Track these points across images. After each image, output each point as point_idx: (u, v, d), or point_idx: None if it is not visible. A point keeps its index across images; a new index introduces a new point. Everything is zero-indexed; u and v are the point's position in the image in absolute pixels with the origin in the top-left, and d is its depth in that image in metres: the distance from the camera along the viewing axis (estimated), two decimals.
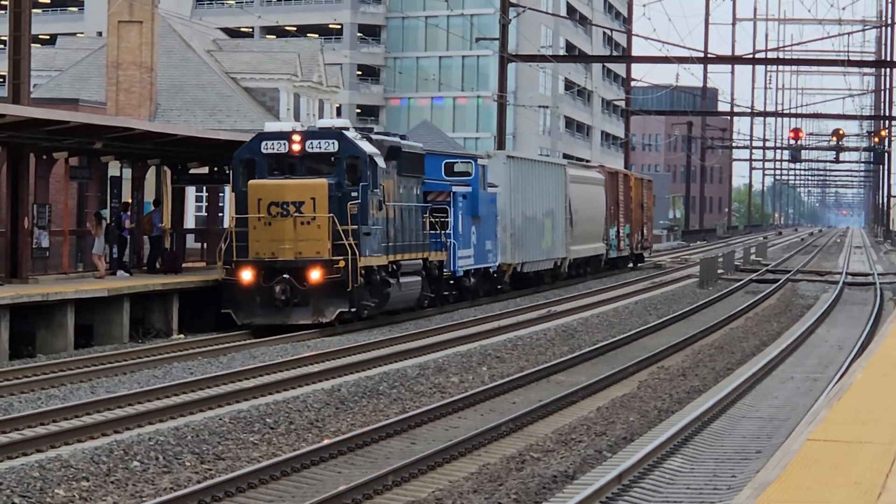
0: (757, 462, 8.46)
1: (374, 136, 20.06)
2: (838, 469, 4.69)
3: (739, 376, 14.55)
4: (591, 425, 11.06)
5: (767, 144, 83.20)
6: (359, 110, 66.78)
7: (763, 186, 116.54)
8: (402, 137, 23.74)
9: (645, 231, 43.40)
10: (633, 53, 57.29)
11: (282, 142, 18.19)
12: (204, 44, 43.61)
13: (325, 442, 9.58)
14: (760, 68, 74.77)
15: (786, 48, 63.89)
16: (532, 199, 29.08)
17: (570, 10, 67.95)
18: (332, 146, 18.15)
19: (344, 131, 18.65)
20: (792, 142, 65.46)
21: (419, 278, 21.67)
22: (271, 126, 19.85)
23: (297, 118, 41.34)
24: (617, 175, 39.49)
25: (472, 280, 25.07)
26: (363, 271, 17.97)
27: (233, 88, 40.31)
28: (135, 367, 14.47)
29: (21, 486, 7.21)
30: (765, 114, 70.21)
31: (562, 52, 63.69)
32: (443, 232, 22.90)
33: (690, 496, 7.79)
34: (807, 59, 43.13)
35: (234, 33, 54.50)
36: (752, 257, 47.81)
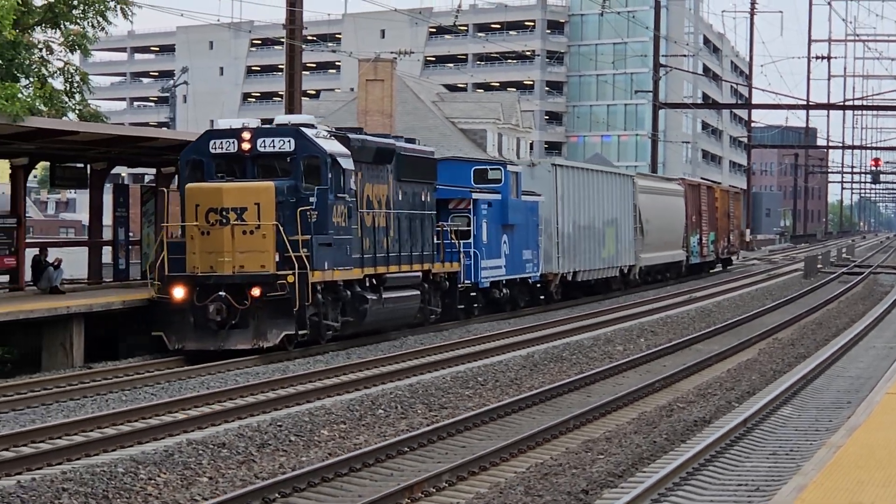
0: (848, 410, 10.71)
1: (352, 137, 17.17)
2: None
3: (834, 345, 18.20)
4: (722, 382, 14.25)
5: (855, 170, 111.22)
6: (546, 146, 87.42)
7: (851, 202, 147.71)
8: (410, 141, 21.04)
9: (731, 238, 45.16)
10: (753, 101, 79.22)
11: (231, 140, 15.42)
12: (430, 96, 55.90)
13: (522, 395, 12.36)
14: (850, 113, 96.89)
15: (868, 97, 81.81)
16: (587, 208, 28.20)
17: (706, 70, 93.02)
18: (287, 145, 15.37)
19: (304, 128, 15.76)
20: (873, 168, 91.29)
21: (417, 292, 18.95)
22: (223, 123, 16.79)
23: (500, 153, 51.43)
24: (699, 187, 41.31)
25: (505, 291, 22.90)
26: (321, 287, 15.25)
27: (452, 130, 51.57)
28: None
29: (296, 428, 9.96)
30: (853, 147, 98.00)
31: (699, 101, 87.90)
32: (458, 241, 20.53)
33: (798, 435, 10.17)
34: (883, 105, 62.53)
35: (452, 88, 70.58)
36: (843, 255, 55.28)
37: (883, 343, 19.18)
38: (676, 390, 13.69)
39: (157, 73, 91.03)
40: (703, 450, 8.79)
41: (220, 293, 14.31)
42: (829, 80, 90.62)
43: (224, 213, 14.50)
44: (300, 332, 14.90)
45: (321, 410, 10.97)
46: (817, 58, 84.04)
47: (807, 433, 10.25)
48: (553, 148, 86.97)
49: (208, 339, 14.49)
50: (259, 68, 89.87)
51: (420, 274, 19.18)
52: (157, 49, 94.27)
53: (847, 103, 73.91)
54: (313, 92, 61.44)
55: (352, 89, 55.30)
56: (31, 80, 17.72)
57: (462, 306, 21.10)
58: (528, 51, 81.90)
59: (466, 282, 21.01)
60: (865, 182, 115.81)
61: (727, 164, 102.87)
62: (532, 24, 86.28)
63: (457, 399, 12.63)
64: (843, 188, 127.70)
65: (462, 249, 20.63)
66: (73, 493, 7.10)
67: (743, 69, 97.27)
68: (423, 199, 19.67)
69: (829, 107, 63.14)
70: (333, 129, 18.01)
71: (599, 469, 8.41)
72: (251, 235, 14.58)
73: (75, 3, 20.29)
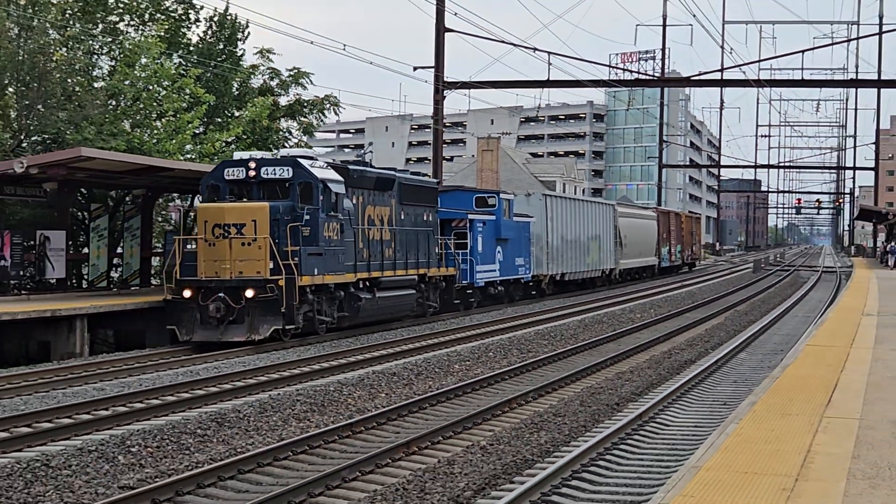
0: (782, 355, 14.53)
1: (351, 168, 19.79)
2: (822, 357, 10.93)
3: (773, 315, 26.53)
4: (702, 337, 21.11)
5: (784, 206, 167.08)
6: (592, 191, 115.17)
7: (782, 225, 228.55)
8: (416, 174, 24.98)
9: (694, 248, 59.61)
10: (721, 163, 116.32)
11: (240, 168, 17.70)
12: (521, 160, 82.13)
13: (579, 344, 18.70)
14: (782, 170, 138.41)
15: (793, 160, 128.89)
16: (573, 227, 34.00)
17: (692, 144, 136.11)
18: (286, 172, 17.51)
19: (301, 159, 18.03)
20: (796, 204, 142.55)
21: (413, 291, 22.07)
22: (236, 155, 19.33)
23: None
24: (669, 213, 53.79)
25: (500, 288, 27.29)
26: (312, 289, 17.41)
27: (535, 181, 70.16)
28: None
29: (434, 363, 15.22)
30: (783, 192, 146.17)
31: (688, 163, 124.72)
32: (456, 252, 24.32)
33: (750, 370, 15.45)
34: (802, 165, 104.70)
35: (535, 155, 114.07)
36: (778, 259, 79.03)
37: (803, 314, 27.39)
38: (673, 342, 19.82)
39: (353, 146, 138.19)
40: (690, 379, 13.94)
41: (220, 294, 16.21)
42: (768, 149, 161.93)
43: (226, 227, 16.51)
44: (288, 327, 16.68)
45: (454, 354, 16.43)
46: (762, 136, 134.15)
47: (755, 369, 15.46)
48: (596, 192, 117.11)
49: (210, 332, 16.36)
50: (416, 143, 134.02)
51: (416, 277, 21.92)
52: (354, 131, 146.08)
53: (780, 164, 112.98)
54: (448, 158, 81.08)
55: (472, 156, 73.72)
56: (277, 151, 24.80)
57: (458, 301, 24.75)
58: (581, 132, 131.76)
59: (464, 282, 24.71)
60: (791, 213, 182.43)
61: (705, 202, 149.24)
62: (584, 115, 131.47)
63: (538, 347, 18.30)
64: (777, 217, 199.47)
65: (460, 257, 24.40)
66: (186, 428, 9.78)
67: (715, 143, 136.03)
68: (424, 218, 22.87)
69: (768, 167, 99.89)
70: (333, 161, 20.54)
71: (626, 390, 13.34)
72: (248, 247, 16.48)
73: (306, 106, 31.77)
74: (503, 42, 35.06)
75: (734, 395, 12.70)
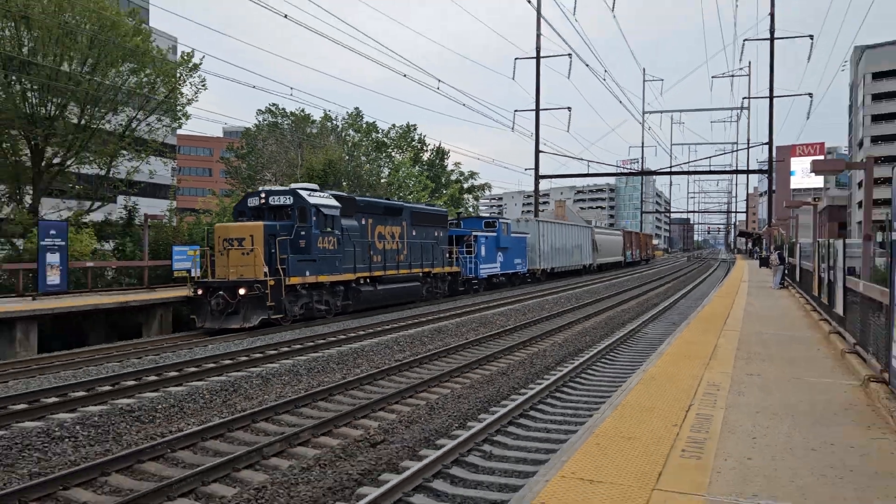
0: (703, 301, 25.09)
1: (358, 198, 25.14)
2: (722, 302, 21.14)
3: (697, 281, 49.48)
4: (643, 302, 32.52)
5: (703, 228, 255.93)
6: (609, 225, 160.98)
7: (701, 238, 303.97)
8: (430, 205, 36.68)
9: (648, 251, 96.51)
10: (667, 210, 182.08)
11: (256, 198, 22.32)
12: (575, 210, 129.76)
13: (562, 310, 27.15)
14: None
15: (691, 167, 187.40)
16: (559, 239, 49.92)
17: (658, 204, 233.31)
18: (287, 200, 21.94)
19: (301, 190, 22.41)
20: (708, 231, 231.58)
21: (418, 283, 28.98)
22: (262, 188, 23.90)
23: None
24: (631, 232, 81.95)
25: (502, 279, 39.00)
26: (305, 287, 21.78)
27: (580, 220, 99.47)
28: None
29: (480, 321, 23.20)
30: (701, 223, 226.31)
31: (654, 210, 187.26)
32: (465, 256, 34.96)
33: (688, 308, 28.60)
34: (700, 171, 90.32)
35: (582, 208, 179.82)
36: (698, 255, 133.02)
37: (710, 282, 42.63)
38: (623, 305, 30.37)
39: (497, 207, 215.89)
40: (653, 315, 25.58)
41: (220, 292, 20.01)
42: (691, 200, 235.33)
43: (231, 241, 20.75)
44: (275, 316, 20.46)
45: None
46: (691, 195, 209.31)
47: (691, 307, 27.89)
48: (611, 225, 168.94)
49: (215, 321, 20.09)
50: (525, 204, 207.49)
51: (420, 273, 29.47)
52: (500, 198, 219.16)
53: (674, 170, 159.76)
54: (542, 209, 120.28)
55: (552, 208, 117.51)
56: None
57: (462, 288, 34.70)
58: (604, 198, 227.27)
59: (471, 276, 35.35)
60: (706, 234, 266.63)
61: (664, 229, 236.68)
62: (605, 187, 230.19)
63: (539, 311, 26.69)
64: (697, 234, 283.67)
65: (468, 260, 35.29)
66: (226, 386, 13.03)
67: (668, 204, 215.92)
68: (435, 234, 31.03)
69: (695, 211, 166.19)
70: (340, 193, 24.90)
71: (588, 339, 20.12)
72: (247, 256, 20.61)
73: (477, 189, 69.45)
74: (566, 155, 64.12)
75: (679, 321, 23.23)
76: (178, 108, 37.06)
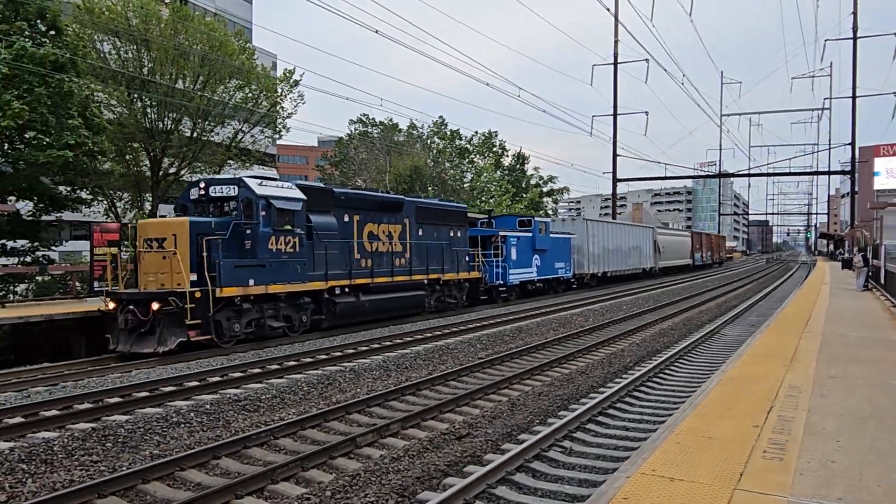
0: (783, 303, 23.15)
1: (336, 190, 20.16)
2: (803, 302, 20.85)
3: (777, 283, 45.27)
4: (724, 302, 31.32)
5: (783, 230, 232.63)
6: (685, 227, 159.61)
7: (780, 240, 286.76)
8: (446, 200, 28.16)
9: (721, 254, 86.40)
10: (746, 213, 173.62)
11: (196, 189, 17.52)
12: (652, 213, 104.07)
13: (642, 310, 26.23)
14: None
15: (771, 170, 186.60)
16: (613, 240, 43.33)
17: (735, 204, 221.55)
18: (232, 190, 17.06)
19: (251, 178, 17.41)
20: (787, 232, 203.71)
21: (421, 292, 23.31)
22: (203, 177, 19.67)
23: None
24: (700, 233, 74.80)
25: (539, 285, 33.27)
26: (250, 298, 16.77)
27: (657, 222, 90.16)
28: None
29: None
30: (774, 214, 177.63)
31: (731, 213, 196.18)
32: (489, 260, 29.27)
33: (768, 309, 26.29)
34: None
35: (660, 210, 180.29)
36: (778, 257, 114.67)
37: (792, 282, 40.84)
38: (718, 300, 31.16)
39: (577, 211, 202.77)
40: (732, 317, 23.82)
41: (130, 307, 15.54)
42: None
43: (150, 242, 15.95)
44: (199, 338, 15.62)
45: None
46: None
47: (770, 309, 25.70)
48: (688, 227, 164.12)
49: (127, 342, 15.57)
50: (603, 207, 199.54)
51: (426, 280, 23.49)
52: (578, 202, 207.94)
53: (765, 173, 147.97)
54: (619, 212, 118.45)
55: (630, 211, 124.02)
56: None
57: (484, 297, 28.86)
58: (681, 201, 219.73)
59: (498, 282, 29.41)
60: (785, 235, 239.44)
61: (742, 231, 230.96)
62: (682, 190, 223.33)
63: (613, 312, 25.15)
64: (776, 236, 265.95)
65: (496, 264, 29.41)
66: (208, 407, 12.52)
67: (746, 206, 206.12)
68: (450, 234, 25.22)
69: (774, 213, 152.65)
70: (309, 183, 20.40)
71: (665, 341, 18.73)
72: (167, 260, 15.73)
73: (556, 192, 71.33)
74: (643, 159, 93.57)
75: (759, 322, 21.82)
76: (279, 120, 38.28)
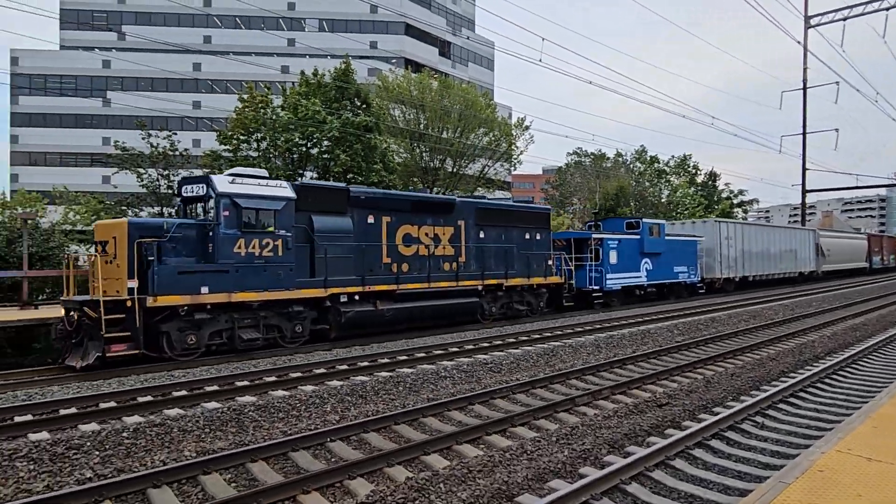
0: None
1: (352, 189, 14.62)
2: None
3: None
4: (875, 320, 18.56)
5: None
6: (879, 231, 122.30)
7: None
8: (523, 201, 20.20)
9: None
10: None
11: (182, 187, 13.12)
12: (843, 219, 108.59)
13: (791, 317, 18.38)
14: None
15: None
16: (756, 243, 32.43)
17: None
18: (200, 189, 12.63)
19: (216, 176, 12.65)
20: None
21: (474, 299, 16.94)
22: (182, 175, 14.60)
23: None
24: (881, 237, 58.75)
25: (650, 290, 24.85)
26: (205, 308, 11.94)
27: (849, 228, 75.01)
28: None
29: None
30: None
31: None
32: (588, 264, 21.93)
33: None
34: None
35: (850, 217, 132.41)
36: None
37: None
38: (865, 315, 19.39)
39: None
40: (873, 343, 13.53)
41: (59, 316, 12.14)
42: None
43: (96, 245, 11.81)
44: (125, 353, 11.06)
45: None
46: None
47: None
48: (881, 232, 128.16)
49: (63, 355, 11.65)
50: (792, 216, 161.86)
51: (480, 286, 17.15)
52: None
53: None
54: (808, 220, 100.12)
55: (819, 218, 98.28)
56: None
57: (570, 304, 20.81)
58: (874, 208, 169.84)
59: (593, 287, 21.90)
60: None
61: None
62: (875, 198, 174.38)
63: (759, 317, 18.72)
64: None
65: (590, 269, 21.96)
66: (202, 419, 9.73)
67: None
68: (525, 237, 18.86)
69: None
70: (315, 182, 14.62)
71: (816, 351, 13.00)
72: (110, 265, 11.55)
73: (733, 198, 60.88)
74: (833, 171, 66.99)
75: None
76: (514, 156, 39.26)
